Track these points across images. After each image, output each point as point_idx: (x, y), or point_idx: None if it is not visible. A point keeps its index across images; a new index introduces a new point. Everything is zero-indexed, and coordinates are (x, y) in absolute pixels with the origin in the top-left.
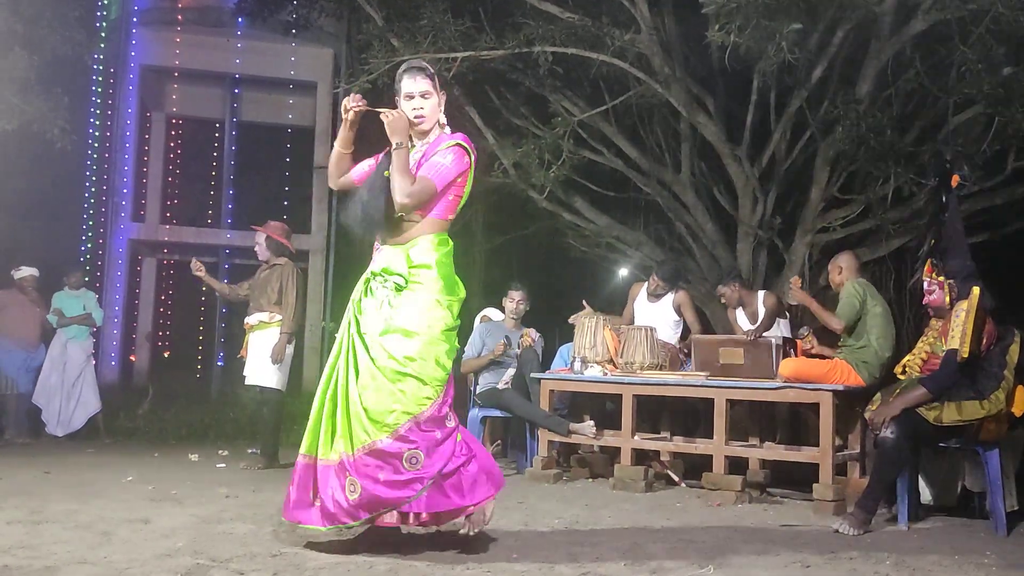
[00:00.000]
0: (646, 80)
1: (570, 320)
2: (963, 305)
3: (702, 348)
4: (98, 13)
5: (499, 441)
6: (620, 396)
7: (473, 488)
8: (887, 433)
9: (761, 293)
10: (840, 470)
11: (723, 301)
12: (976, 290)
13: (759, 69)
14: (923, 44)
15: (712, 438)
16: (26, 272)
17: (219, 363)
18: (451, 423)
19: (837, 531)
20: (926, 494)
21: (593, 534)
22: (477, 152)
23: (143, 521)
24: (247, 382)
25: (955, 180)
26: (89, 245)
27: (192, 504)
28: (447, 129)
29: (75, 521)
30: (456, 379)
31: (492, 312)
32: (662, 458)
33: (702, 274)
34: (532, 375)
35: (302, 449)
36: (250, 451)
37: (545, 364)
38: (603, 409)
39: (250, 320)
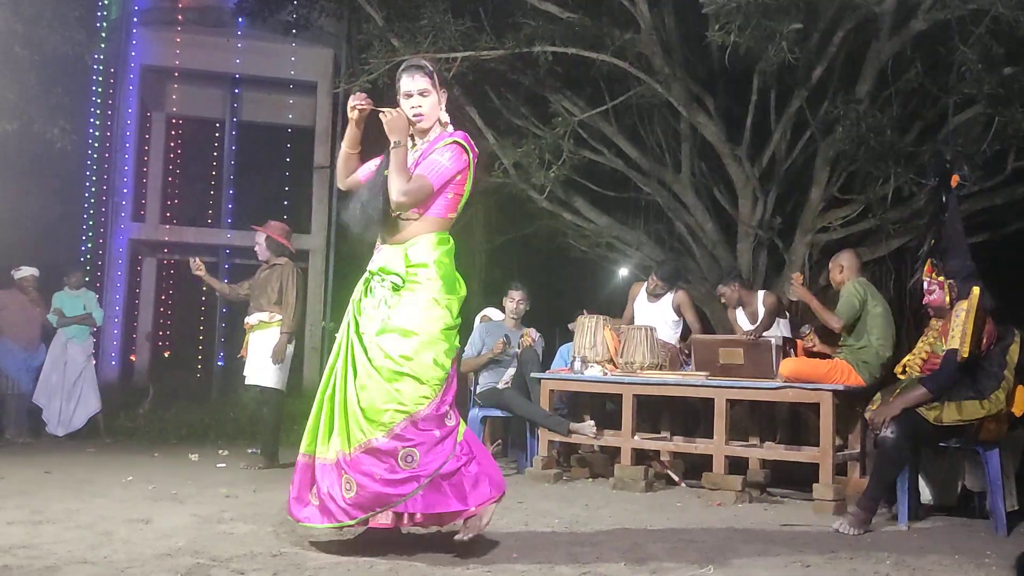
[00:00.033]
0: (646, 80)
1: (569, 327)
2: (963, 305)
3: (702, 348)
4: (98, 13)
5: (499, 441)
6: (620, 396)
7: (473, 490)
8: (887, 433)
9: (761, 293)
10: (840, 470)
11: (723, 301)
12: (976, 290)
13: (759, 69)
14: (923, 44)
15: (712, 438)
16: (26, 272)
17: (219, 363)
18: (451, 422)
19: (837, 531)
20: (926, 494)
21: (593, 534)
22: (477, 152)
23: (143, 521)
24: (247, 382)
25: (955, 180)
26: (89, 245)
27: (192, 504)
28: (450, 127)
29: (75, 521)
30: (456, 378)
31: (492, 312)
32: (662, 458)
33: (702, 274)
34: (532, 375)
35: (301, 448)
36: (250, 451)
37: (545, 364)
38: (603, 409)
39: (250, 320)
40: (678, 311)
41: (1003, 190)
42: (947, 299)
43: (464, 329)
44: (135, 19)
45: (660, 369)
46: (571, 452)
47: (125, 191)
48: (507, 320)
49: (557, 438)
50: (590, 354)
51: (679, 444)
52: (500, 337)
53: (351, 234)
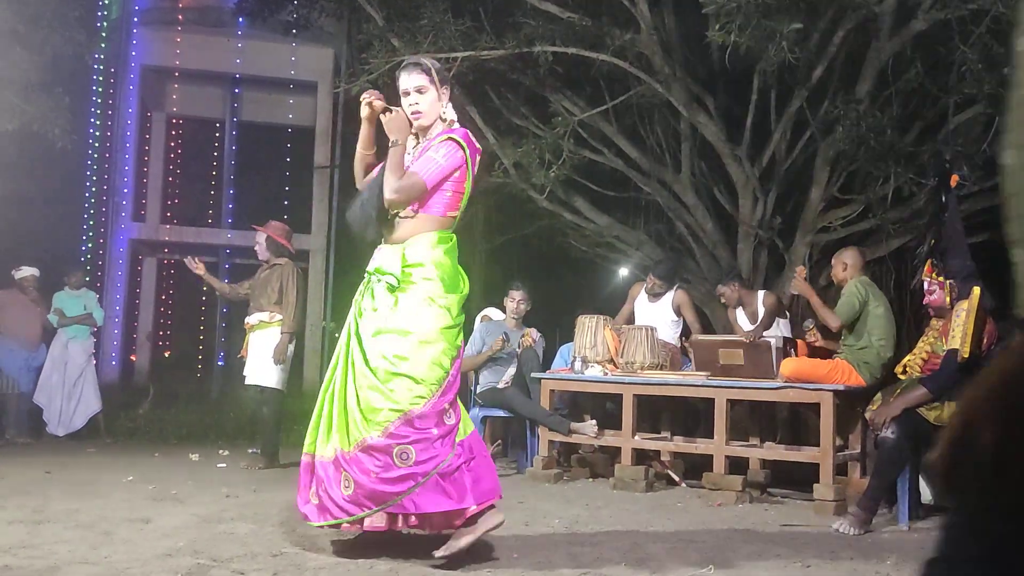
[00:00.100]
0: (646, 80)
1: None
2: (963, 305)
3: (702, 348)
4: (99, 13)
5: (499, 441)
6: (620, 396)
7: (471, 490)
8: (888, 433)
9: (761, 293)
10: (840, 470)
11: (723, 301)
12: (976, 290)
13: (759, 69)
14: (923, 44)
15: (712, 438)
16: (27, 272)
17: (219, 363)
18: (450, 420)
19: (838, 531)
20: (927, 494)
21: (593, 534)
22: (480, 148)
23: (144, 521)
24: (247, 382)
25: (955, 180)
26: (90, 245)
27: (193, 504)
28: (455, 124)
29: (76, 521)
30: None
31: (493, 312)
32: (663, 458)
33: (702, 274)
34: (532, 375)
35: (304, 448)
36: (251, 451)
37: (545, 364)
38: (603, 409)
39: (250, 320)
40: (678, 311)
41: None
42: (947, 299)
43: (466, 329)
44: (135, 19)
45: (660, 369)
46: (571, 452)
47: (125, 191)
48: (508, 320)
49: (557, 438)
50: (590, 354)
51: (679, 444)
52: (500, 337)
53: (352, 233)
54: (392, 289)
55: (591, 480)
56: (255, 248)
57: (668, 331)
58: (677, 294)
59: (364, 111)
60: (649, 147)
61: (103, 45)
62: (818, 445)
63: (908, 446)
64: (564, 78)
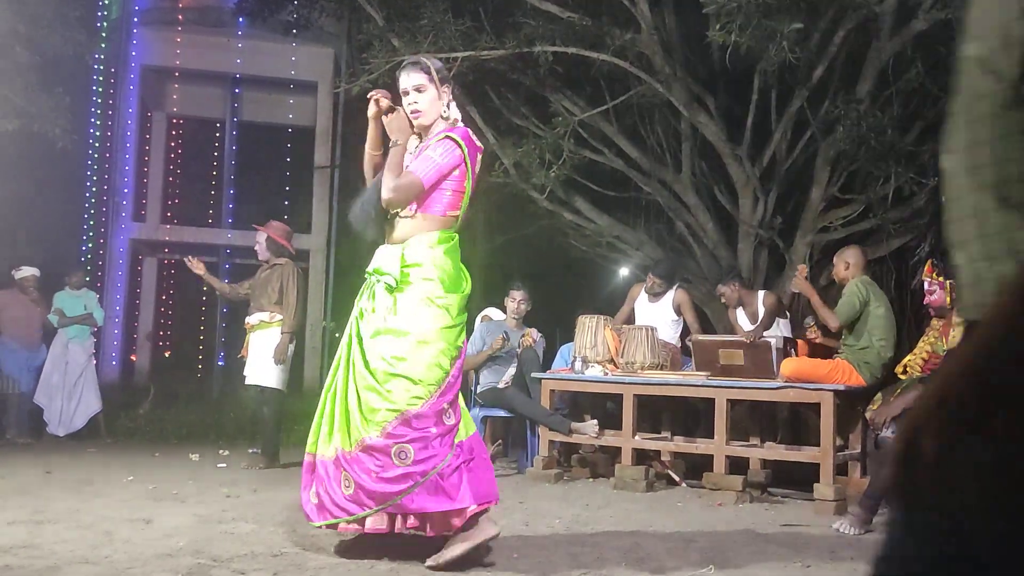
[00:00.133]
0: (647, 79)
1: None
2: None
3: (702, 349)
4: (99, 13)
5: (499, 441)
6: (621, 396)
7: (470, 491)
8: (888, 433)
9: (761, 293)
10: (841, 470)
11: (723, 301)
12: None
13: (760, 69)
14: (924, 44)
15: (713, 438)
16: (27, 272)
17: (220, 363)
18: (450, 420)
19: (838, 531)
20: None
21: (594, 534)
22: (481, 147)
23: (144, 521)
24: (248, 382)
25: None
26: (90, 245)
27: (193, 504)
28: (459, 123)
29: (76, 521)
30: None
31: (493, 312)
32: (663, 458)
33: (702, 274)
34: (533, 375)
35: (307, 448)
36: (251, 451)
37: (546, 365)
38: (604, 409)
39: (251, 320)
40: (678, 310)
41: None
42: (948, 299)
43: (467, 329)
44: (135, 19)
45: (661, 369)
46: (572, 452)
47: (126, 191)
48: (508, 320)
49: (558, 438)
50: (591, 354)
51: (680, 444)
52: (500, 335)
53: (353, 233)
54: (391, 290)
55: (591, 480)
56: (255, 248)
57: (668, 331)
58: (677, 293)
59: (371, 109)
60: (649, 147)
61: (103, 45)
62: (818, 445)
63: None
64: (564, 78)
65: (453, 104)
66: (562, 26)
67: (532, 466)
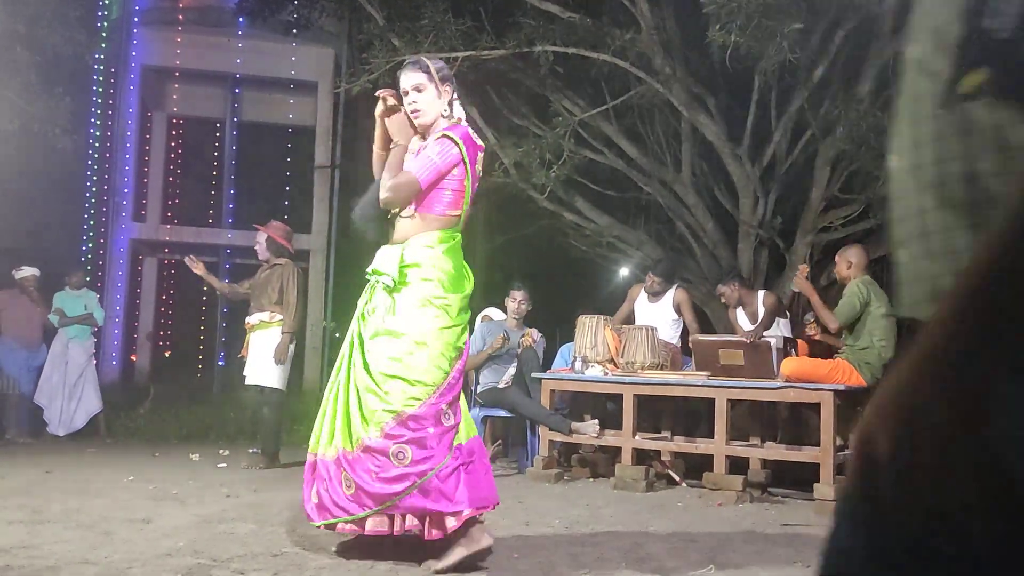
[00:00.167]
0: (647, 80)
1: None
2: None
3: (702, 349)
4: (99, 13)
5: (499, 441)
6: (621, 396)
7: (468, 493)
8: None
9: (761, 293)
10: (841, 470)
11: (723, 301)
12: None
13: (760, 69)
14: None
15: (713, 438)
16: (27, 272)
17: (220, 363)
18: (449, 421)
19: None
20: None
21: (594, 534)
22: (482, 146)
23: (144, 521)
24: (248, 382)
25: None
26: (90, 245)
27: (193, 504)
28: (462, 122)
29: (76, 521)
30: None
31: (493, 312)
32: (663, 458)
33: (702, 274)
34: (533, 375)
35: (309, 448)
36: (251, 451)
37: (546, 364)
38: (604, 409)
39: (251, 320)
40: (678, 310)
41: None
42: None
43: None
44: (136, 19)
45: (661, 369)
46: (572, 452)
47: (126, 191)
48: (509, 320)
49: (558, 438)
50: (591, 354)
51: (680, 444)
52: (500, 335)
53: (353, 233)
54: (389, 290)
55: (592, 480)
56: (255, 248)
57: (668, 331)
58: (677, 293)
59: (379, 108)
60: (649, 147)
61: (103, 45)
62: (819, 445)
63: None
64: (564, 78)
65: (456, 103)
66: (562, 26)
67: (532, 466)
